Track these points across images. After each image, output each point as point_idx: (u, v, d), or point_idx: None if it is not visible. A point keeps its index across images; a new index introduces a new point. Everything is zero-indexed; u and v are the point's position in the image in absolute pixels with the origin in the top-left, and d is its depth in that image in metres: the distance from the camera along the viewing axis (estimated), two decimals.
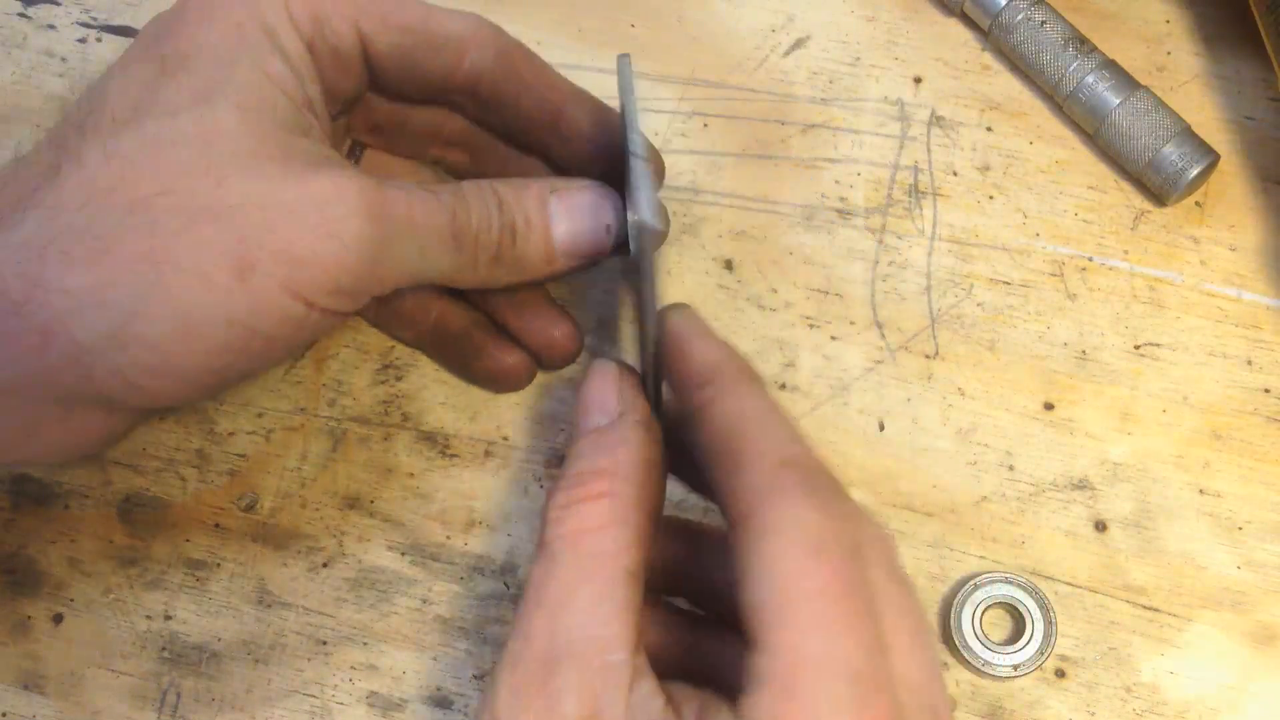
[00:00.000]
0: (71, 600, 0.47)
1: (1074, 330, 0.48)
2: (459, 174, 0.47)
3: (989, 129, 0.51)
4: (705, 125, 0.51)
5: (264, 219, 0.37)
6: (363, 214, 0.38)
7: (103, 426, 0.40)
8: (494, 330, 0.46)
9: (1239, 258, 0.49)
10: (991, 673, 0.44)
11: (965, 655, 0.44)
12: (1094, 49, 0.49)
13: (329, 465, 0.48)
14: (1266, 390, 0.47)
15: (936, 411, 0.47)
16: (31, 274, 0.36)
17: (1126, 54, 0.50)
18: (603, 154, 0.43)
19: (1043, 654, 0.44)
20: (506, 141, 0.46)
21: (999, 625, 0.46)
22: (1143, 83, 0.49)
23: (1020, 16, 0.49)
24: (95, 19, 0.53)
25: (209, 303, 0.37)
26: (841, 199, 0.50)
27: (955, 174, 0.50)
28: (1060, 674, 0.45)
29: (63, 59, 0.53)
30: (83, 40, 0.53)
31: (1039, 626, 0.44)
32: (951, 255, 0.49)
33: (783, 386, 0.48)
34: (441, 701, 0.45)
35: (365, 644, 0.46)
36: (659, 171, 0.47)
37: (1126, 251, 0.49)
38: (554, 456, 0.47)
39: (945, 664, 0.45)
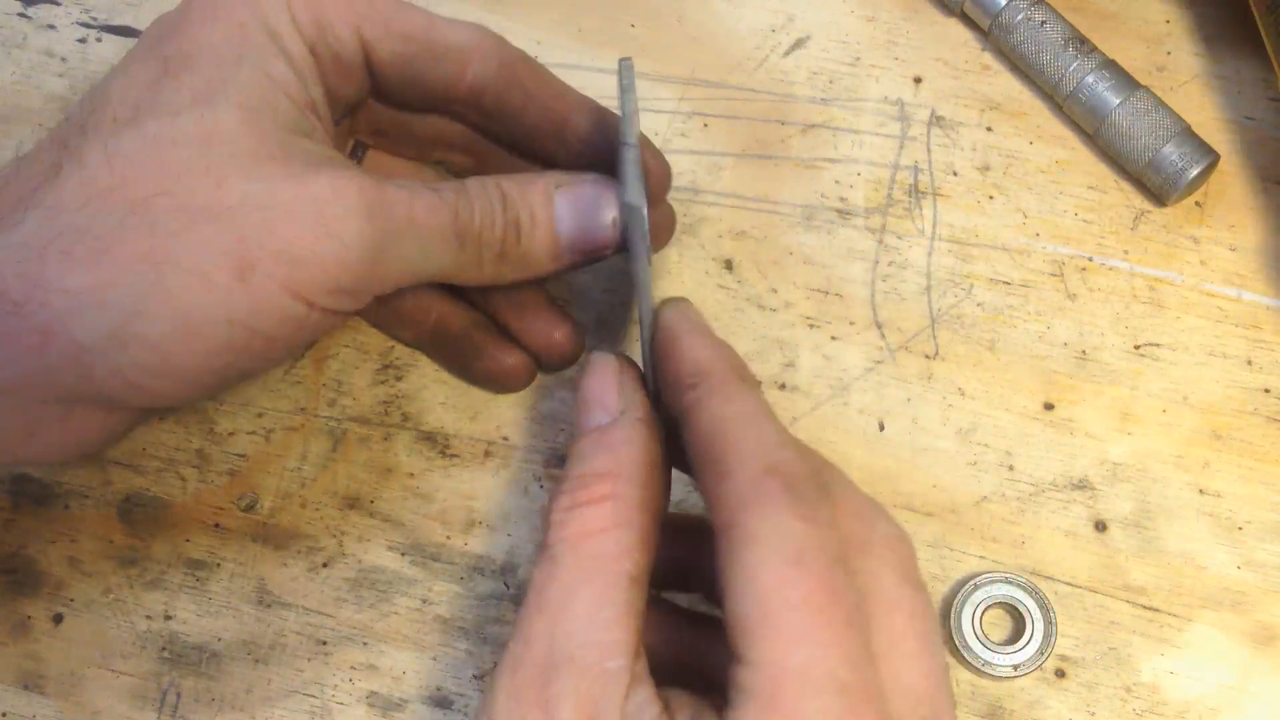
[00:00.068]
0: (71, 600, 0.47)
1: (1074, 330, 0.48)
2: (463, 175, 0.47)
3: (989, 129, 0.50)
4: (705, 125, 0.51)
5: (264, 219, 0.37)
6: (363, 213, 0.38)
7: (103, 426, 0.40)
8: (494, 331, 0.46)
9: (1239, 258, 0.49)
10: (991, 673, 0.44)
11: (965, 655, 0.44)
12: (1094, 49, 0.49)
13: (329, 465, 0.48)
14: (1266, 390, 0.47)
15: (936, 411, 0.47)
16: (31, 274, 0.36)
17: (1126, 54, 0.50)
18: (606, 160, 0.43)
19: (1043, 654, 0.44)
20: (510, 150, 0.45)
21: (999, 625, 0.46)
22: (1143, 83, 0.49)
23: (1020, 16, 0.49)
24: (95, 19, 0.53)
25: (209, 303, 0.37)
26: (841, 199, 0.50)
27: (955, 174, 0.50)
28: (1060, 674, 0.45)
29: (63, 59, 0.53)
30: (83, 40, 0.53)
31: (1039, 626, 0.44)
32: (951, 255, 0.49)
33: (783, 386, 0.48)
34: (441, 702, 0.45)
35: (365, 644, 0.46)
36: (666, 175, 0.47)
37: (1126, 251, 0.49)
38: (554, 456, 0.47)
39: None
